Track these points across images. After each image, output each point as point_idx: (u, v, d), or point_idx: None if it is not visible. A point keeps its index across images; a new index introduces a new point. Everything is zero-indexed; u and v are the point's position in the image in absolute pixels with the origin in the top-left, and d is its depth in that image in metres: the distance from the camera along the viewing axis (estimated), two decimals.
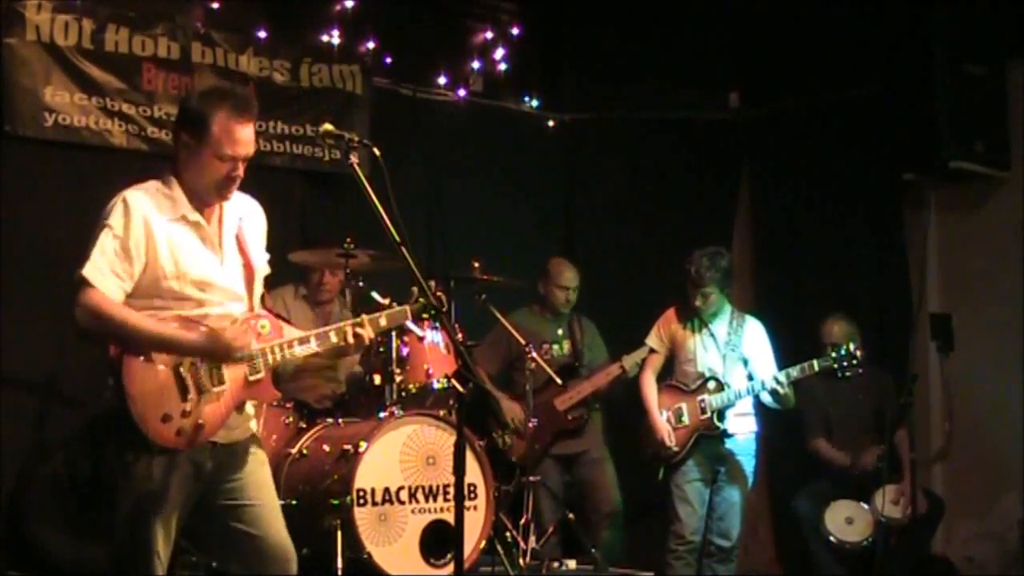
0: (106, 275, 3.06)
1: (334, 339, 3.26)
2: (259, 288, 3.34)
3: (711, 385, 5.45)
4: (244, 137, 3.12)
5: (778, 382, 5.31)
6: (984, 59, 6.39)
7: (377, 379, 4.98)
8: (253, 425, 3.33)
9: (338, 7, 6.23)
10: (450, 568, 4.63)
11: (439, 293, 3.38)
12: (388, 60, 6.42)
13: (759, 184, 7.46)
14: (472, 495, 4.76)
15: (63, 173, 5.49)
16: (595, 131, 7.29)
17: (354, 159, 3.04)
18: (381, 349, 4.85)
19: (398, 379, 4.96)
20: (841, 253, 7.05)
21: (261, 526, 3.19)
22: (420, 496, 4.72)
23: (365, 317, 3.29)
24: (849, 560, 5.95)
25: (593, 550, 5.56)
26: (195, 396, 3.07)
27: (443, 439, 4.78)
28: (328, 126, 3.08)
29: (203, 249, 3.18)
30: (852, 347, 5.48)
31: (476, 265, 5.54)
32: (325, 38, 6.19)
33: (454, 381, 4.88)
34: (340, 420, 4.97)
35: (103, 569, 5.06)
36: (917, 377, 5.88)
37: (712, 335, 5.51)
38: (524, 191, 7.03)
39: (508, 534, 5.37)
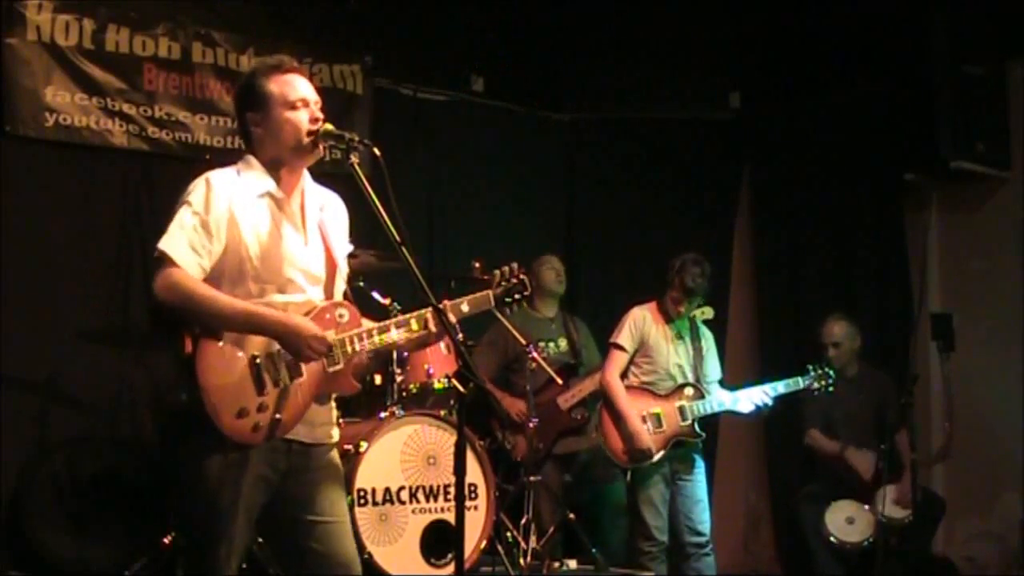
0: (184, 250, 2.94)
1: (415, 326, 3.13)
2: (340, 280, 3.20)
3: (689, 392, 5.39)
4: (303, 84, 3.10)
5: (767, 395, 5.35)
6: (984, 59, 6.39)
7: (378, 379, 4.98)
8: (336, 434, 3.19)
9: (339, 7, 6.23)
10: (451, 568, 4.63)
11: (522, 276, 3.32)
12: (388, 60, 6.43)
13: (760, 184, 7.46)
14: (473, 495, 4.76)
15: (63, 173, 5.49)
16: (595, 131, 7.30)
17: (354, 159, 3.03)
18: None
19: (399, 379, 4.96)
20: (842, 253, 7.05)
21: (331, 544, 3.07)
22: (421, 496, 4.72)
23: (447, 303, 3.14)
24: (849, 560, 5.95)
25: (594, 550, 5.56)
26: (272, 389, 2.96)
27: (444, 439, 4.78)
28: (328, 126, 3.07)
29: (287, 227, 3.08)
30: (827, 368, 5.51)
31: (476, 265, 5.51)
32: (326, 38, 6.20)
33: (455, 381, 4.92)
34: (341, 420, 4.95)
35: (103, 569, 5.08)
36: (918, 377, 5.88)
37: (682, 339, 5.49)
38: (524, 191, 7.03)
39: (509, 534, 5.37)
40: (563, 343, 6.13)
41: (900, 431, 5.87)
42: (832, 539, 5.91)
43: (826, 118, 6.90)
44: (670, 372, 5.43)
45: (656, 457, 5.32)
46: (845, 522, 5.93)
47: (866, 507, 5.91)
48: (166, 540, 4.90)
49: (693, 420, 5.35)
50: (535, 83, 7.10)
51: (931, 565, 6.25)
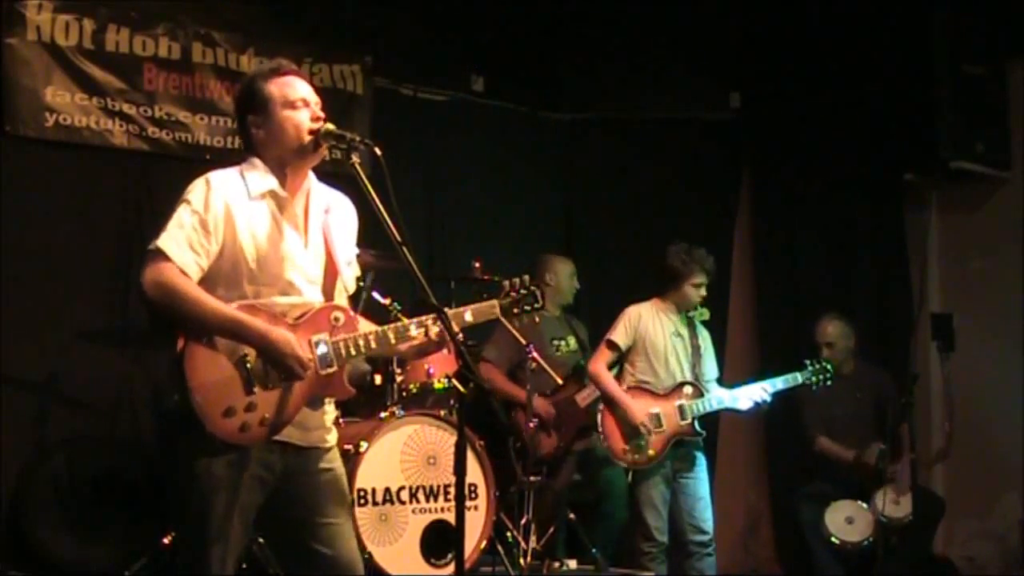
0: (183, 248, 2.92)
1: (414, 332, 3.10)
2: (340, 283, 3.16)
3: (688, 390, 5.38)
4: (302, 84, 3.10)
5: (767, 392, 5.36)
6: (984, 59, 6.40)
7: (378, 379, 4.98)
8: (332, 438, 3.15)
9: (339, 7, 6.23)
10: (451, 568, 4.64)
11: (533, 288, 3.32)
12: (388, 60, 6.42)
13: (759, 184, 7.46)
14: (473, 495, 4.76)
15: (63, 173, 5.48)
16: (595, 131, 7.29)
17: (356, 159, 3.03)
18: None
19: (399, 379, 4.96)
20: (841, 253, 7.05)
21: (334, 545, 3.05)
22: (421, 496, 4.73)
23: (450, 312, 3.09)
24: (849, 560, 5.95)
25: (594, 550, 5.56)
26: (260, 389, 2.93)
27: (444, 439, 4.79)
28: (330, 126, 3.07)
29: (287, 228, 3.06)
30: (825, 362, 5.52)
31: (476, 265, 5.52)
32: (326, 38, 6.20)
33: (455, 381, 4.91)
34: (341, 420, 4.95)
35: (103, 569, 5.08)
36: (918, 377, 5.89)
37: (681, 336, 5.49)
38: (524, 191, 7.03)
39: (509, 534, 5.37)
40: (572, 341, 6.13)
41: (901, 425, 5.87)
42: (832, 539, 5.91)
43: (826, 118, 6.89)
44: (668, 369, 5.43)
45: (658, 459, 5.32)
46: (845, 522, 5.93)
47: (866, 507, 5.91)
48: (166, 540, 4.90)
49: (693, 419, 5.34)
50: (535, 83, 7.10)
51: (931, 565, 6.26)
